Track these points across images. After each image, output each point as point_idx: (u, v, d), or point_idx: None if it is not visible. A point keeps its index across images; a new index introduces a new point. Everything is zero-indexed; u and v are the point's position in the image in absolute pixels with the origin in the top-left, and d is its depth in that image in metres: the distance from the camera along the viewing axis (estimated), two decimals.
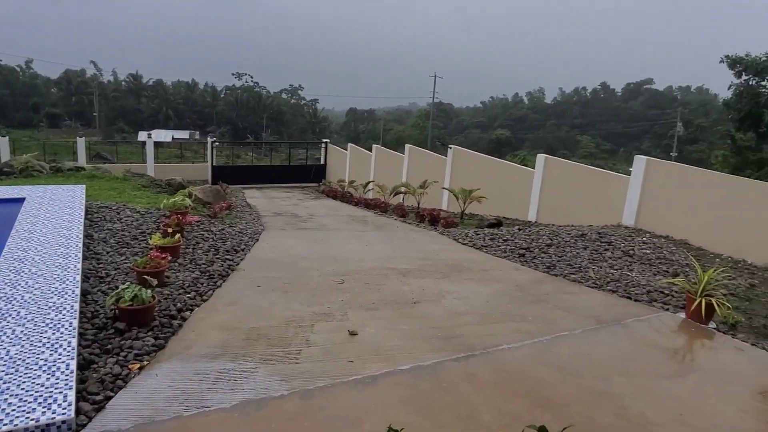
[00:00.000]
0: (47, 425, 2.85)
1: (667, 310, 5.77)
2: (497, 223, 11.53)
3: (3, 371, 3.26)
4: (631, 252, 8.33)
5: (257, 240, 8.44)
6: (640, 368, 4.35)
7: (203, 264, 6.38)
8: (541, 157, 12.94)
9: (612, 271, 7.26)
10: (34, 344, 3.60)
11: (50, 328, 3.85)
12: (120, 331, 4.23)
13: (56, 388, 3.14)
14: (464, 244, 8.89)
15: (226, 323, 4.74)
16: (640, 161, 10.42)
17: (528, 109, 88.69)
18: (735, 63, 19.74)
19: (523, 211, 13.01)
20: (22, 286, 4.54)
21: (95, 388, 3.40)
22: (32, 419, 2.85)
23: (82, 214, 7.16)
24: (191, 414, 3.23)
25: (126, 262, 6.01)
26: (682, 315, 5.58)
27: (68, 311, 4.13)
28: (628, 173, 10.79)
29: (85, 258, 5.75)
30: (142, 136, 40.99)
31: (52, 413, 2.92)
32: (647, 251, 8.42)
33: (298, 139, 62.27)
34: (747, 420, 3.66)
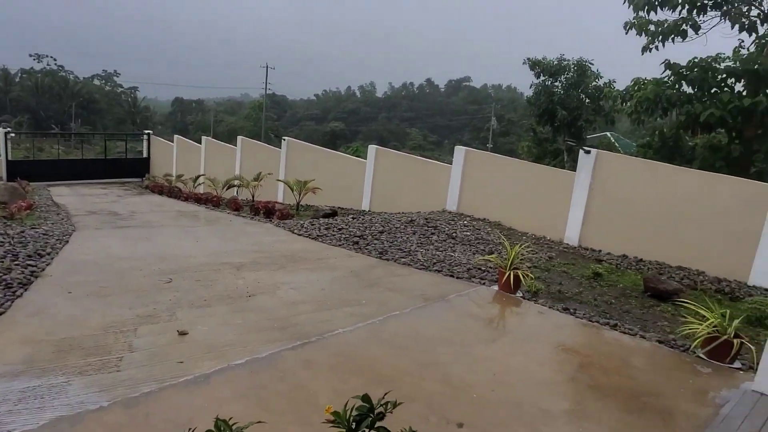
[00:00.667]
0: None
1: (484, 284, 6.45)
2: (332, 213, 11.75)
3: None
4: (454, 235, 9.11)
5: (67, 242, 7.52)
6: (461, 337, 4.81)
7: None
8: (372, 149, 13.46)
9: (438, 252, 7.86)
10: None
11: None
12: None
13: None
14: (300, 234, 8.91)
15: (30, 336, 4.16)
16: (460, 152, 11.40)
17: (360, 102, 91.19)
18: (534, 65, 22.56)
19: (357, 201, 13.42)
20: None
21: None
22: None
23: None
24: None
25: None
26: (496, 287, 6.28)
27: None
28: (452, 163, 11.75)
29: None
30: None
31: None
32: (468, 233, 9.28)
33: (115, 131, 56.35)
34: (546, 371, 4.27)
